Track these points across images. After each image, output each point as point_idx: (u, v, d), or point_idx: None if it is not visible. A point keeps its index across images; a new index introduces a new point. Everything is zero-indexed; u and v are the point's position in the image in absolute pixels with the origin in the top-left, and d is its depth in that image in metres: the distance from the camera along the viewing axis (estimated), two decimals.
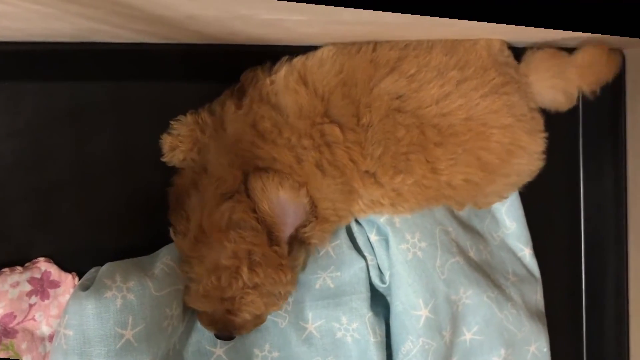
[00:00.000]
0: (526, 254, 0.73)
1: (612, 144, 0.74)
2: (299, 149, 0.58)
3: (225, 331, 0.60)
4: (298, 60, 0.62)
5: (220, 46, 0.64)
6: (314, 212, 0.59)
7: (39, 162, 0.66)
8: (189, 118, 0.65)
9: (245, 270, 0.56)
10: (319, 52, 0.62)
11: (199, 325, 0.63)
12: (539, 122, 0.64)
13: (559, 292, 0.77)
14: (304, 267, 0.64)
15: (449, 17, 0.47)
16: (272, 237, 0.58)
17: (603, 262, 0.77)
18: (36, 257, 0.65)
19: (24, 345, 0.63)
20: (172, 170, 0.67)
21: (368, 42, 0.62)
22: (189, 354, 0.64)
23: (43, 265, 0.65)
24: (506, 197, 0.70)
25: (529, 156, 0.64)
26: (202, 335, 0.64)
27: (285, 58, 0.63)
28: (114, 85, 0.67)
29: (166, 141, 0.66)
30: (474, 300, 0.68)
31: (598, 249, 0.77)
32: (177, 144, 0.65)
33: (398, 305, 0.66)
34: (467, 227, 0.71)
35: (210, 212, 0.57)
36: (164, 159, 0.66)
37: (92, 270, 0.62)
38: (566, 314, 0.77)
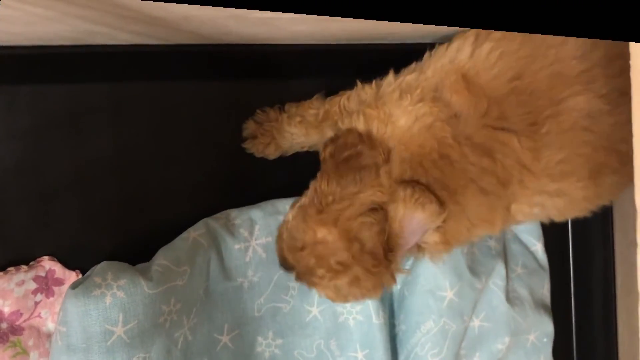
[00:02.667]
0: (538, 248, 0.76)
1: None
2: (469, 165, 0.56)
3: (296, 277, 0.60)
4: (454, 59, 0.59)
5: (216, 46, 0.66)
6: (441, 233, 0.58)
7: (40, 164, 0.67)
8: (271, 114, 0.69)
9: (345, 261, 0.55)
10: (478, 52, 0.58)
11: (210, 315, 0.65)
12: None
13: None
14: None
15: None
16: (389, 244, 0.57)
17: (590, 250, 0.79)
18: (40, 256, 0.67)
19: (30, 342, 0.64)
20: (169, 169, 0.69)
21: (545, 48, 0.57)
22: (200, 343, 0.65)
23: (47, 263, 0.66)
24: None
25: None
26: (212, 325, 0.66)
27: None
28: (112, 87, 0.68)
29: (249, 127, 0.69)
30: (485, 287, 0.70)
31: (584, 237, 0.79)
32: (258, 134, 0.68)
33: (424, 284, 0.68)
34: None
35: (352, 204, 0.56)
36: (244, 145, 0.70)
37: (92, 268, 0.64)
38: (554, 302, 0.79)
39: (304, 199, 0.59)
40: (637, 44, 0.36)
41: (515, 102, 0.57)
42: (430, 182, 0.56)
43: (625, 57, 0.38)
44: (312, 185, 0.59)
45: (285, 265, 0.60)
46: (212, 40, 0.64)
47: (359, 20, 0.58)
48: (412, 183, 0.55)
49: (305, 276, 0.58)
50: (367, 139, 0.57)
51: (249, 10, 0.54)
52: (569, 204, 0.60)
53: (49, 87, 0.67)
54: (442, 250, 0.59)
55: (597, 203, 0.62)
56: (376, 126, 0.58)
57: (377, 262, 0.56)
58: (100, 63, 0.65)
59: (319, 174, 0.59)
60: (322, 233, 0.56)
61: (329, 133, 0.66)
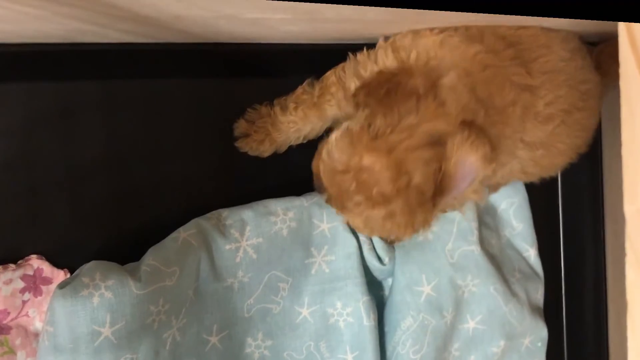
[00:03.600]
0: (531, 254, 0.77)
1: None
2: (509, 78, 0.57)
3: (327, 200, 0.60)
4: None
5: (207, 45, 0.65)
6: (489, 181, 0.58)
7: (29, 162, 0.66)
8: (262, 110, 0.68)
9: (388, 193, 0.53)
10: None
11: (199, 316, 0.65)
12: None
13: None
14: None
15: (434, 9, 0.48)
16: (441, 185, 0.55)
17: (582, 250, 0.80)
18: (29, 255, 0.66)
19: (18, 341, 0.64)
20: (159, 168, 0.68)
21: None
22: (189, 343, 0.65)
23: (35, 262, 0.66)
24: None
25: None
26: (201, 325, 0.65)
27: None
28: (103, 85, 0.67)
29: (240, 126, 0.69)
30: (481, 290, 0.71)
31: (576, 238, 0.80)
32: (251, 132, 0.68)
33: (401, 280, 0.68)
34: (482, 221, 0.74)
35: (412, 136, 0.53)
36: (237, 144, 0.69)
37: (81, 267, 0.63)
38: (546, 304, 0.79)
39: (354, 126, 0.55)
40: (629, 54, 0.36)
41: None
42: (483, 117, 0.55)
43: None
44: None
45: (320, 185, 0.59)
46: (203, 39, 0.64)
47: (350, 21, 0.58)
48: (469, 123, 0.53)
49: (338, 201, 0.57)
50: (402, 69, 0.56)
51: (240, 11, 0.54)
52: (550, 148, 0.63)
53: (39, 85, 0.66)
54: (474, 197, 0.59)
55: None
56: (406, 54, 0.57)
57: (422, 201, 0.54)
58: (91, 61, 0.65)
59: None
60: (370, 160, 0.53)
61: (329, 111, 0.65)
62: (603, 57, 0.68)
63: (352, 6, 0.53)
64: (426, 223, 0.57)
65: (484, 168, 0.53)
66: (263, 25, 0.59)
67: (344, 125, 0.57)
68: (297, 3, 0.52)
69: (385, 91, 0.54)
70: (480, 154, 0.52)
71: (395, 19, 0.58)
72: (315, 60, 0.68)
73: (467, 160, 0.53)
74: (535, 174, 0.67)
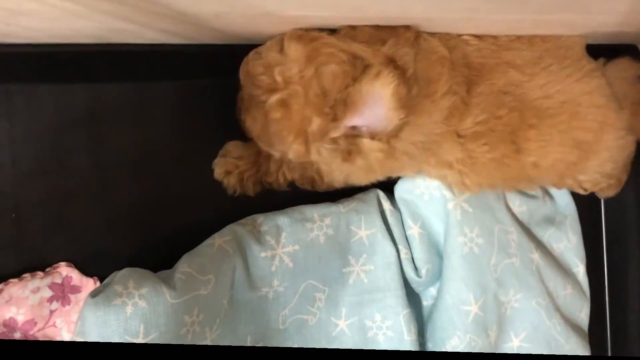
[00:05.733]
0: (580, 270, 0.73)
1: None
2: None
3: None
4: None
5: (241, 46, 0.64)
6: (391, 137, 0.57)
7: (58, 166, 0.65)
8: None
9: (291, 77, 0.55)
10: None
11: (233, 327, 0.62)
12: (620, 102, 0.67)
13: None
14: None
15: None
16: (337, 112, 0.54)
17: (625, 269, 0.77)
18: (57, 262, 0.64)
19: None
20: (192, 172, 0.67)
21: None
22: None
23: (64, 270, 0.64)
24: (604, 175, 0.70)
25: (616, 132, 0.66)
26: (235, 337, 0.63)
27: None
28: (135, 87, 0.66)
29: (219, 166, 0.66)
30: (523, 305, 0.68)
31: (620, 256, 0.77)
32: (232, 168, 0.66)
33: (447, 298, 0.66)
34: (529, 232, 0.71)
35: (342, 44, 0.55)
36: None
37: (112, 275, 0.61)
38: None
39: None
40: None
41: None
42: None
43: None
44: None
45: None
46: (239, 39, 0.62)
47: (396, 18, 0.57)
48: (395, 63, 0.54)
49: (245, 89, 0.58)
50: None
51: (284, 10, 0.52)
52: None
53: (69, 86, 0.65)
54: (381, 159, 0.57)
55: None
56: None
57: (322, 104, 0.54)
58: (123, 62, 0.63)
59: None
60: (288, 46, 0.54)
61: None
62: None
63: (396, 3, 0.52)
64: (322, 134, 0.55)
65: (394, 108, 0.53)
66: (303, 25, 0.58)
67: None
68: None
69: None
70: (394, 91, 0.53)
71: (437, 17, 0.57)
72: None
73: (378, 93, 0.53)
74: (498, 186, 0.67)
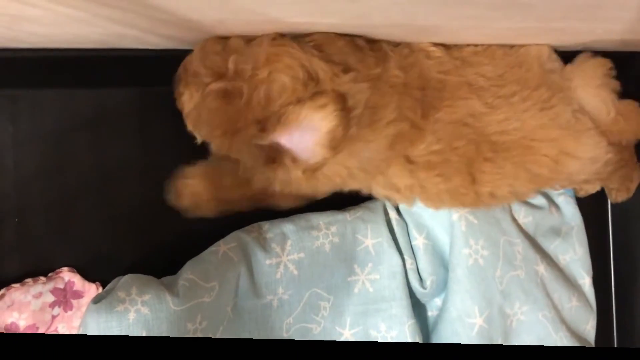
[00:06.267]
0: (586, 282, 0.72)
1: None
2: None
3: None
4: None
5: None
6: (311, 169, 0.55)
7: (62, 170, 0.65)
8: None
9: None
10: None
11: (237, 334, 0.62)
12: (584, 122, 0.64)
13: None
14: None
15: None
16: (268, 124, 0.53)
17: (633, 280, 0.76)
18: (59, 267, 0.64)
19: None
20: None
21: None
22: None
23: (67, 275, 0.64)
24: (578, 183, 0.70)
25: (579, 161, 0.64)
26: None
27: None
28: (139, 92, 0.66)
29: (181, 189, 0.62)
30: (529, 318, 0.67)
31: (627, 268, 0.76)
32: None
33: (452, 311, 0.65)
34: (535, 243, 0.70)
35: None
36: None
37: (114, 280, 0.61)
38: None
39: None
40: None
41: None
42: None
43: None
44: None
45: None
46: None
47: (400, 25, 0.56)
48: (340, 96, 0.53)
49: (193, 62, 0.57)
50: None
51: (289, 17, 0.51)
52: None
53: (73, 92, 0.65)
54: (310, 181, 0.56)
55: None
56: None
57: (246, 109, 0.53)
58: (127, 67, 0.63)
59: None
60: (259, 40, 0.54)
61: None
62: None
63: (400, 10, 0.51)
64: (249, 137, 0.53)
65: (323, 145, 0.52)
66: (307, 32, 0.57)
67: None
68: (346, 7, 0.50)
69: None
70: (330, 129, 0.51)
71: (443, 24, 0.57)
72: None
73: (314, 124, 0.51)
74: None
